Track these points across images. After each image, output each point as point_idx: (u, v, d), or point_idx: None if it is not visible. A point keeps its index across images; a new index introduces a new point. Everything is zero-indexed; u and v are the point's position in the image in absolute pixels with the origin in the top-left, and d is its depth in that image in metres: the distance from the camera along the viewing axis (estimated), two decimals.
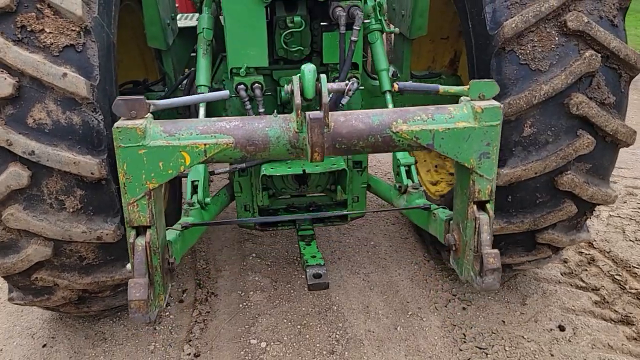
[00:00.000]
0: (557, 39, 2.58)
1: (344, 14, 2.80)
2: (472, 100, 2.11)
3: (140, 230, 2.04)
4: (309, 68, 2.07)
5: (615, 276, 3.80)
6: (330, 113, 1.98)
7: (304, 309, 3.51)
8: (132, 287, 1.94)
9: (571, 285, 3.76)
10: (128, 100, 1.97)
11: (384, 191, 3.34)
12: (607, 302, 3.56)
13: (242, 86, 2.96)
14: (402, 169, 3.01)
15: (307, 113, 1.93)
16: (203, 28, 3.15)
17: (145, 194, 1.97)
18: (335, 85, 2.05)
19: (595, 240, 4.25)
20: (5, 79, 2.27)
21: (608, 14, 2.63)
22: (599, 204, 2.92)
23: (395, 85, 2.34)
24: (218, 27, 3.22)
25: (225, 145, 1.94)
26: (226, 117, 2.09)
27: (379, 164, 5.81)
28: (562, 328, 3.34)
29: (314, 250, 2.98)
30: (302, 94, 2.02)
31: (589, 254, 4.08)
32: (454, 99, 2.26)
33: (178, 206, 4.22)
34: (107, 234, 2.58)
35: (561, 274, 3.87)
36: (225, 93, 2.28)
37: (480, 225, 2.14)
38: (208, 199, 2.85)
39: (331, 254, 4.13)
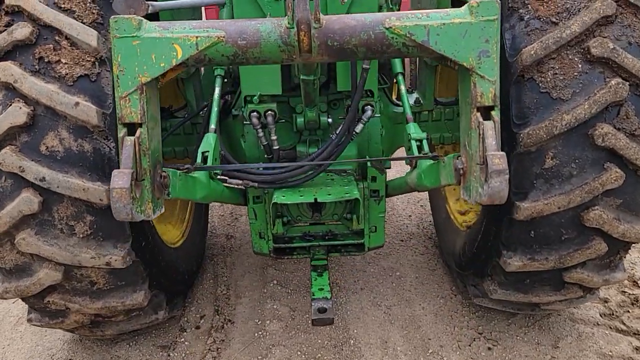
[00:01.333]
0: (580, 66, 2.43)
1: None
2: None
3: (132, 130, 2.05)
4: None
5: None
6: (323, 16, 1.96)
7: (319, 341, 3.41)
8: (115, 175, 1.92)
9: (610, 328, 3.48)
10: None
11: (400, 183, 3.21)
12: None
13: (255, 113, 2.96)
14: (414, 143, 2.87)
15: None
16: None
17: (137, 89, 2.00)
18: None
19: None
20: (20, 108, 2.36)
21: (638, 39, 2.46)
22: (633, 242, 2.70)
23: None
24: None
25: (217, 39, 1.95)
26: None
27: None
28: None
29: (323, 282, 2.90)
30: None
31: (633, 294, 3.77)
32: None
33: (202, 231, 4.26)
34: (116, 260, 2.62)
35: (600, 315, 3.59)
36: None
37: (484, 131, 2.00)
38: (218, 171, 2.81)
39: (354, 283, 4.02)
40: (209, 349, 3.37)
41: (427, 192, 4.80)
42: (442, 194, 4.24)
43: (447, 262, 4.15)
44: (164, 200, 2.36)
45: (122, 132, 2.07)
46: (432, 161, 2.67)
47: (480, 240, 3.13)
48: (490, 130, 2.02)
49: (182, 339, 3.47)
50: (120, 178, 1.95)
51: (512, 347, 3.33)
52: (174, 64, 1.99)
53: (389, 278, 4.10)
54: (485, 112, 2.07)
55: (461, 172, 2.24)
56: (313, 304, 2.65)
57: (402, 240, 4.66)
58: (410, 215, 5.13)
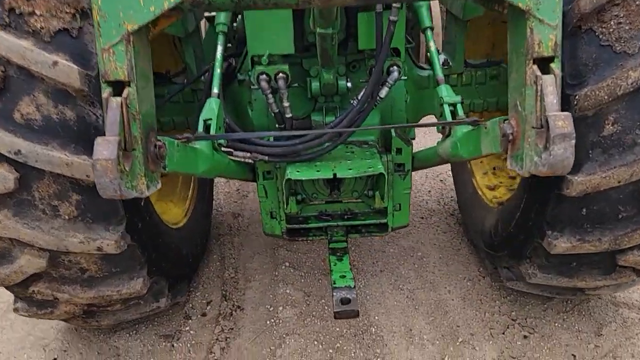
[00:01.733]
0: None
1: None
2: None
3: (118, 89, 1.73)
4: None
5: None
6: None
7: (337, 329, 3.11)
8: (98, 144, 1.62)
9: None
10: None
11: (429, 154, 2.86)
12: None
13: (263, 76, 2.58)
14: (446, 108, 2.51)
15: None
16: None
17: (123, 38, 1.68)
18: None
19: None
20: None
21: None
22: None
23: None
24: None
25: None
26: None
27: None
28: None
29: (345, 268, 2.57)
30: None
31: None
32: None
33: (207, 209, 3.93)
34: (108, 245, 2.29)
35: None
36: None
37: (543, 87, 1.68)
38: (222, 141, 2.46)
39: (372, 265, 3.70)
40: (217, 339, 3.07)
41: (448, 166, 4.46)
42: (467, 168, 3.88)
43: (473, 242, 3.82)
44: (161, 175, 2.04)
45: (106, 91, 1.74)
46: (470, 127, 2.31)
47: (519, 219, 2.78)
48: (551, 86, 1.71)
49: (187, 328, 3.17)
50: (105, 147, 1.64)
51: (550, 335, 3.02)
52: (167, 8, 1.63)
53: (410, 259, 3.77)
54: (543, 64, 1.74)
55: (510, 137, 1.91)
56: (335, 294, 2.31)
57: (422, 218, 4.33)
58: (429, 191, 4.78)
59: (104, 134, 2.04)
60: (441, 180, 4.94)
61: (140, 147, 1.81)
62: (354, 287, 2.36)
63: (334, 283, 2.40)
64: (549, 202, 2.45)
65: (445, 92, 2.55)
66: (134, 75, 1.76)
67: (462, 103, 2.52)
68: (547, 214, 2.48)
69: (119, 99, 1.73)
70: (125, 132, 1.74)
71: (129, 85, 1.76)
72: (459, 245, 3.93)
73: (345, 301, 2.25)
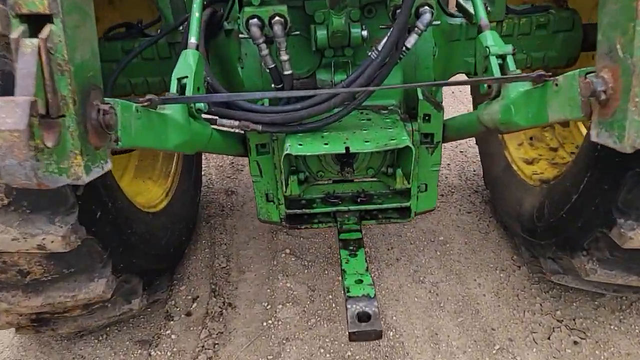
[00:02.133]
0: None
1: None
2: None
3: (36, 27, 1.22)
4: None
5: None
6: None
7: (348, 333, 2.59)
8: (1, 108, 1.11)
9: None
10: None
11: (467, 122, 2.29)
12: None
13: (255, 20, 1.98)
14: (494, 61, 1.92)
15: None
16: None
17: None
18: None
19: None
20: None
21: None
22: None
23: None
24: None
25: None
26: None
27: None
28: None
29: (360, 268, 2.03)
30: None
31: None
32: None
33: (194, 187, 3.38)
34: (53, 241, 1.76)
35: None
36: None
37: None
38: (202, 105, 1.89)
39: (387, 252, 3.17)
40: (203, 346, 2.56)
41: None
42: (497, 137, 3.31)
43: (505, 225, 3.29)
44: (116, 152, 1.49)
45: (17, 30, 1.21)
46: (529, 85, 1.74)
47: (576, 202, 2.24)
48: None
49: (168, 331, 2.66)
50: (10, 112, 1.12)
51: (606, 340, 2.50)
52: None
53: (430, 244, 3.24)
54: None
55: (602, 97, 1.35)
56: (349, 306, 1.76)
57: (441, 195, 3.78)
58: (448, 164, 4.22)
59: None
60: (461, 152, 4.38)
61: (72, 113, 1.27)
62: (375, 296, 1.81)
63: (348, 291, 1.85)
64: (622, 183, 1.91)
65: (492, 41, 1.96)
66: (60, 7, 1.22)
67: (514, 54, 1.93)
68: (620, 198, 1.95)
69: (35, 40, 1.19)
70: (46, 91, 1.20)
71: (52, 22, 1.22)
72: (486, 229, 3.39)
73: (363, 317, 1.71)
